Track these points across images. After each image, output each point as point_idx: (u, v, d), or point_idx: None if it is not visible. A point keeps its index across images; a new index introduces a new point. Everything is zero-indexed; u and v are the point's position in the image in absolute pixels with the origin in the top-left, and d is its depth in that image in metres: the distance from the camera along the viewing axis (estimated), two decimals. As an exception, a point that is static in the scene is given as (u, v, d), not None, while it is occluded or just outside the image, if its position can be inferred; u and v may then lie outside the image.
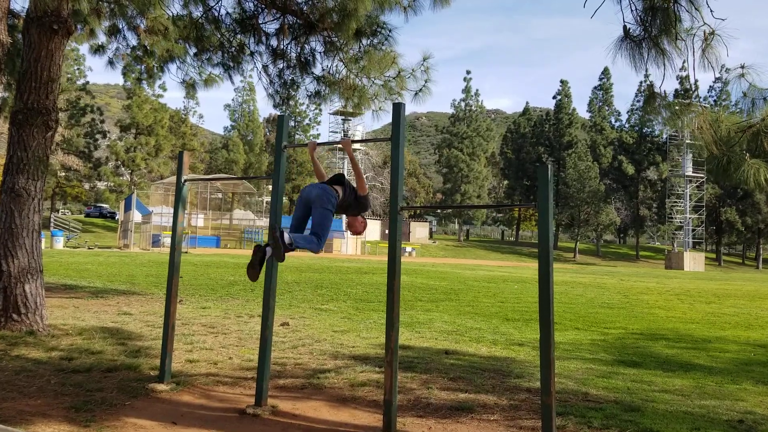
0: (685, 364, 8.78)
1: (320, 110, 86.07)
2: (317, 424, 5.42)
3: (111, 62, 13.32)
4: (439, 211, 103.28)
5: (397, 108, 5.15)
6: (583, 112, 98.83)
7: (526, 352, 9.26)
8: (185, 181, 6.66)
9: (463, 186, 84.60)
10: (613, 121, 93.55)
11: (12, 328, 8.31)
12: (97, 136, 70.08)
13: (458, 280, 25.12)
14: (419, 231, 77.79)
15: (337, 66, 10.67)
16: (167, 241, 44.79)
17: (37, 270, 8.70)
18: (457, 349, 9.13)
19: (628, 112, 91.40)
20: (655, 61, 5.37)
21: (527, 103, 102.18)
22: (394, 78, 10.30)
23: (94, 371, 6.74)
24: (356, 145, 76.36)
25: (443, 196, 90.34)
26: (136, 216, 45.26)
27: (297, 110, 79.36)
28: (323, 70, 10.88)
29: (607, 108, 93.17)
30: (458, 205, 68.27)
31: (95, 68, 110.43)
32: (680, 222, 77.77)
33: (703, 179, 77.33)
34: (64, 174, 65.50)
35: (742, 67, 5.03)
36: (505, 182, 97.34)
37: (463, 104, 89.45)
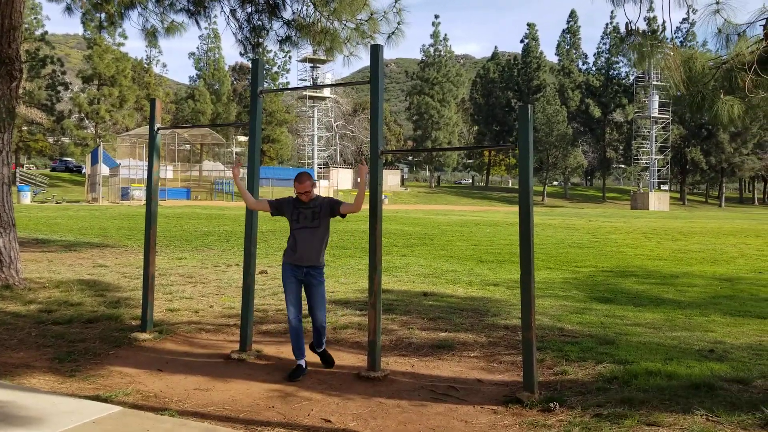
0: (654, 299, 9.05)
1: (289, 58, 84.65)
2: (302, 366, 5.49)
3: (69, 9, 12.79)
4: (410, 158, 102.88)
5: (375, 50, 5.09)
6: (551, 56, 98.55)
7: (501, 291, 9.46)
8: (158, 129, 6.56)
9: (434, 132, 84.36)
10: (580, 64, 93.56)
11: (-13, 282, 8.21)
12: (59, 88, 67.90)
13: (432, 226, 25.32)
14: (391, 178, 77.76)
15: (307, 9, 10.44)
16: (137, 193, 44.19)
17: (9, 223, 8.55)
18: (435, 291, 9.28)
19: (594, 54, 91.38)
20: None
21: (496, 47, 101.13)
22: (366, 21, 10.12)
23: (75, 323, 6.73)
24: (326, 92, 75.31)
25: (414, 143, 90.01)
26: (104, 169, 44.46)
27: (265, 57, 77.82)
28: (293, 13, 10.65)
29: (574, 51, 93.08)
30: (437, 148, 67.48)
31: (53, 17, 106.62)
32: (646, 163, 78.85)
33: (669, 120, 78.15)
34: (26, 128, 63.69)
35: (717, 2, 5.04)
36: (475, 128, 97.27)
37: (432, 50, 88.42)
